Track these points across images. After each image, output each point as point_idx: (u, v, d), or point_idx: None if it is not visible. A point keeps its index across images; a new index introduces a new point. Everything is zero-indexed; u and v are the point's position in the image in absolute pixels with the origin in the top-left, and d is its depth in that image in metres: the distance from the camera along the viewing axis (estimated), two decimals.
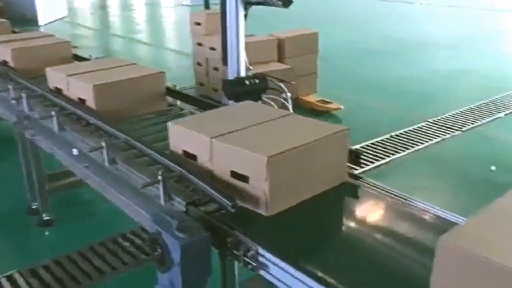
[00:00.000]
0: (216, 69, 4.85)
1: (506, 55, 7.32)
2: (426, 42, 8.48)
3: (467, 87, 5.86)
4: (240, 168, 1.87)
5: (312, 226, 1.79)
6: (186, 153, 2.07)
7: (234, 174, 1.89)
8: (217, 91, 4.76)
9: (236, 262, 1.70)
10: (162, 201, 1.87)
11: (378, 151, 4.04)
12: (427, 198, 2.75)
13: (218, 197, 1.75)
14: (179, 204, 1.85)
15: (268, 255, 1.59)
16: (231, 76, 2.66)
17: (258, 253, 1.61)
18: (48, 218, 3.13)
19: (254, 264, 1.60)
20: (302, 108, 4.74)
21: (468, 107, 5.00)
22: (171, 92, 2.90)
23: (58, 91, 2.77)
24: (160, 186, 1.85)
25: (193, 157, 2.03)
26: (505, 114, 4.84)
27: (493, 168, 3.72)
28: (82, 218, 3.21)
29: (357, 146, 4.07)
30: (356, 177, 2.08)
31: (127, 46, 8.99)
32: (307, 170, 1.92)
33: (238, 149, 1.87)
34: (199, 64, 5.16)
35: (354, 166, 2.11)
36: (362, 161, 3.74)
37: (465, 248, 1.22)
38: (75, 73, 2.75)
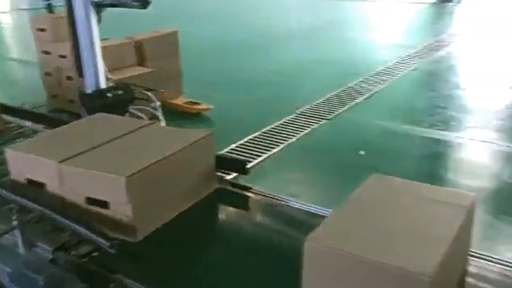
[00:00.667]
0: (69, 78, 4.39)
1: (357, 43, 7.78)
2: (285, 33, 8.71)
3: (326, 75, 6.10)
4: (96, 193, 1.65)
5: (191, 246, 1.63)
6: (31, 181, 1.77)
7: (91, 201, 1.66)
8: (74, 102, 4.32)
9: None
10: (21, 250, 1.55)
11: (253, 149, 3.98)
12: (302, 192, 2.74)
13: (91, 237, 1.49)
14: (44, 250, 1.55)
15: None
16: (89, 89, 2.37)
17: None
18: None
19: None
20: (171, 112, 4.50)
21: (330, 95, 5.18)
22: (10, 110, 2.49)
23: None
24: (17, 234, 1.54)
25: (41, 186, 1.74)
26: (364, 99, 5.10)
27: (362, 152, 3.86)
28: None
29: (233, 146, 3.98)
30: (228, 182, 1.97)
31: None
32: (173, 183, 1.76)
33: (91, 172, 1.64)
34: (48, 74, 4.65)
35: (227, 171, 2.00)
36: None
37: (329, 247, 1.25)
38: None
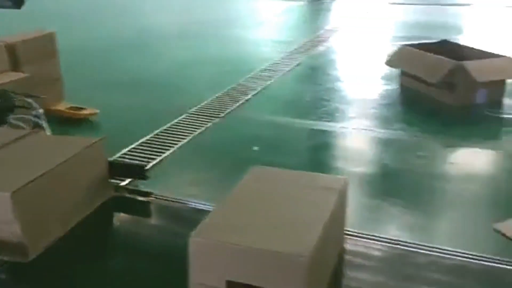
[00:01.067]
0: None
1: (242, 40, 7.91)
2: (164, 32, 8.57)
3: (215, 74, 6.12)
4: None
5: (88, 259, 1.55)
6: None
7: None
8: None
9: None
10: None
11: (146, 152, 3.87)
12: (201, 192, 2.74)
13: None
14: None
15: None
16: None
17: None
18: None
19: None
20: (53, 120, 4.21)
21: (220, 93, 5.21)
22: None
23: None
24: None
25: None
26: (253, 95, 5.20)
27: (256, 148, 3.94)
28: None
29: (124, 150, 3.84)
30: (124, 189, 1.90)
31: None
32: (64, 195, 1.67)
33: None
34: None
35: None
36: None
37: (213, 239, 1.33)
38: None
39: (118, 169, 1.90)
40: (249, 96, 5.16)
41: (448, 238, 2.68)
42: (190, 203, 1.89)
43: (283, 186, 1.68)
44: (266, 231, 1.41)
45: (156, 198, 1.87)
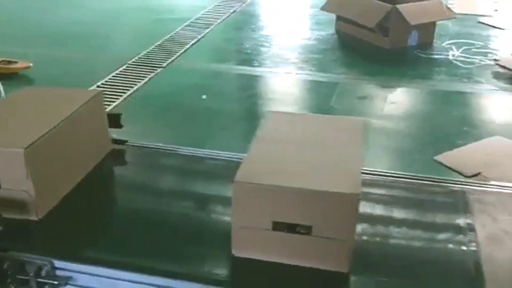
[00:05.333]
0: None
1: None
2: None
3: (148, 23, 5.93)
4: None
5: (95, 210, 1.55)
6: None
7: None
8: None
9: None
10: None
11: None
12: (159, 138, 2.73)
13: None
14: None
15: (69, 265, 1.30)
16: None
17: (54, 267, 1.30)
18: None
19: (55, 282, 1.29)
20: None
21: (158, 43, 5.09)
22: None
23: None
24: None
25: None
26: (192, 44, 5.13)
27: (204, 96, 3.95)
28: None
29: None
30: (119, 141, 1.88)
31: None
32: (71, 151, 1.62)
33: None
34: None
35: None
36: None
37: (258, 182, 1.34)
38: None
39: None
40: (189, 46, 5.08)
41: (389, 167, 2.86)
42: (180, 150, 1.89)
43: (306, 128, 1.67)
44: (307, 172, 1.42)
45: (135, 146, 1.86)
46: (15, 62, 4.27)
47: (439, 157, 3.03)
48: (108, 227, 1.49)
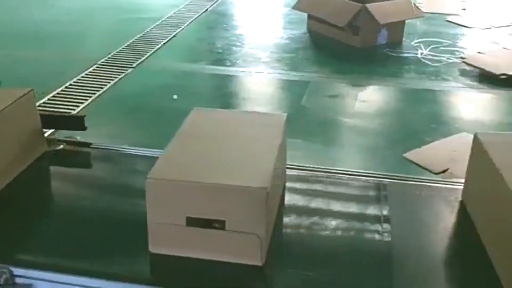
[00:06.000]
0: None
1: None
2: None
3: (118, 22, 5.87)
4: None
5: (22, 219, 1.52)
6: None
7: None
8: None
9: None
10: None
11: (59, 106, 3.69)
12: (129, 140, 2.71)
13: None
14: None
15: (29, 272, 1.27)
16: None
17: (13, 275, 1.28)
18: None
19: None
20: None
21: (128, 43, 5.03)
22: None
23: None
24: None
25: None
26: (163, 44, 5.09)
27: (175, 96, 3.92)
28: None
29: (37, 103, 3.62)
30: (83, 144, 1.85)
31: None
32: None
33: None
34: None
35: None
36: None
37: (169, 179, 1.38)
38: None
39: (54, 121, 1.82)
40: (160, 45, 5.04)
41: (360, 166, 2.90)
42: (130, 150, 1.87)
43: (227, 125, 1.73)
44: (221, 168, 1.45)
45: (96, 147, 1.83)
46: None
47: (408, 154, 3.08)
48: (35, 232, 1.45)
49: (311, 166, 2.00)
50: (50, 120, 1.82)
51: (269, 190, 1.36)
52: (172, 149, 1.58)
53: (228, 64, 4.62)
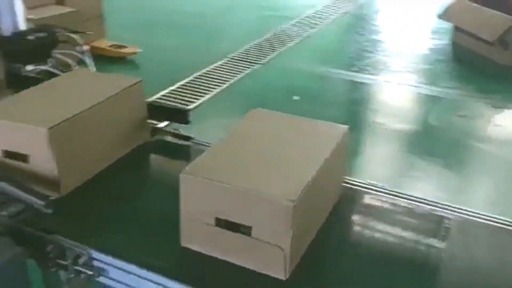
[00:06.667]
0: None
1: None
2: None
3: (255, 19, 5.98)
4: (15, 146, 1.52)
5: (122, 200, 1.56)
6: None
7: (9, 154, 1.54)
8: None
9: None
10: None
11: (184, 95, 3.86)
12: None
13: (23, 196, 1.37)
14: None
15: (106, 258, 1.31)
16: (7, 31, 2.12)
17: (91, 258, 1.32)
18: None
19: (90, 272, 1.31)
20: (94, 56, 4.22)
21: (260, 39, 5.10)
22: None
23: None
24: None
25: None
26: (295, 43, 5.07)
27: (296, 97, 3.87)
28: None
29: (163, 92, 3.83)
30: (184, 137, 1.88)
31: None
32: (100, 135, 1.66)
33: (9, 123, 1.51)
34: None
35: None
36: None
37: (202, 177, 1.35)
38: None
39: (160, 111, 1.88)
40: (291, 44, 5.03)
41: (480, 203, 2.59)
42: None
43: (280, 129, 1.65)
44: (256, 173, 1.40)
45: (195, 143, 1.85)
46: (124, 47, 4.51)
47: None
48: (132, 215, 1.48)
49: (373, 184, 1.81)
50: (156, 110, 1.88)
51: (297, 203, 1.27)
52: (216, 147, 1.57)
53: (356, 69, 4.45)
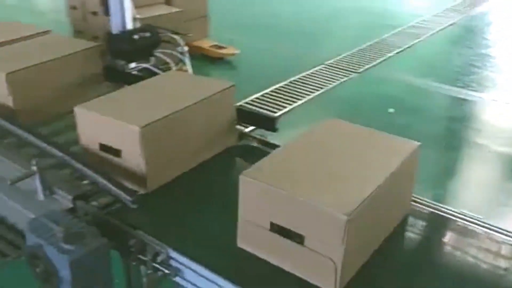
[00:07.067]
0: (94, 13, 4.25)
1: None
2: None
3: (357, 25, 5.86)
4: (110, 141, 1.60)
5: (204, 202, 1.57)
6: None
7: (104, 147, 1.62)
8: (98, 39, 4.21)
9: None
10: (41, 197, 1.51)
11: (279, 98, 3.87)
12: None
13: (112, 190, 1.44)
14: (63, 198, 1.51)
15: (183, 259, 1.33)
16: (115, 29, 2.25)
17: (169, 257, 1.35)
18: None
19: (167, 271, 1.34)
20: (194, 55, 4.37)
21: (361, 47, 4.98)
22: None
23: None
24: (37, 180, 1.49)
25: None
26: (396, 53, 4.89)
27: (391, 110, 3.73)
28: None
29: (257, 95, 3.87)
30: (251, 137, 1.87)
31: None
32: (190, 136, 1.69)
33: (105, 118, 1.59)
34: (73, 7, 4.50)
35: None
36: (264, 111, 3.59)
37: (260, 182, 1.33)
38: None
39: (248, 116, 1.89)
40: (392, 54, 4.86)
41: None
42: None
43: (350, 141, 1.60)
44: (315, 182, 1.36)
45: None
46: (224, 48, 4.62)
47: None
48: (215, 218, 1.49)
49: (443, 205, 1.67)
50: (245, 115, 1.89)
51: (352, 217, 1.23)
52: (281, 151, 1.56)
53: (460, 85, 4.19)
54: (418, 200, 1.69)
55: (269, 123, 1.85)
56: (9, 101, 1.91)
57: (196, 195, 1.62)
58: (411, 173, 1.60)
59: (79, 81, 2.09)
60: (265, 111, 3.24)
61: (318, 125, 1.68)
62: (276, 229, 1.34)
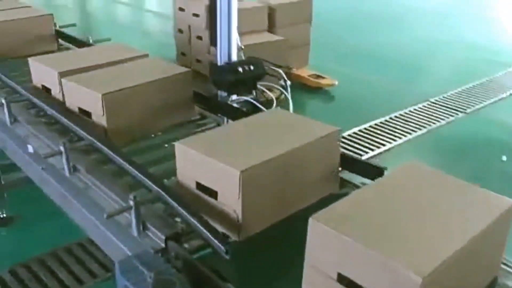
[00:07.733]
0: (199, 38, 4.36)
1: (501, 24, 6.93)
2: (418, 7, 8.03)
3: (465, 61, 5.50)
4: (208, 181, 1.53)
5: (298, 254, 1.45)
6: None
7: (200, 187, 1.56)
8: (201, 63, 4.30)
9: None
10: (134, 232, 1.48)
11: (378, 135, 3.68)
12: None
13: (206, 235, 1.37)
14: (155, 236, 1.47)
15: None
16: (220, 60, 2.23)
17: None
18: (4, 216, 2.72)
19: None
20: (293, 83, 4.31)
21: (470, 85, 4.65)
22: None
23: None
24: (133, 215, 1.46)
25: None
26: (510, 94, 4.50)
27: (504, 158, 3.40)
28: (46, 216, 2.79)
29: (355, 130, 3.72)
30: (351, 184, 1.73)
31: (105, 6, 8.33)
32: (290, 182, 1.59)
33: (205, 158, 1.52)
34: (180, 31, 4.65)
35: None
36: (359, 148, 3.43)
37: (330, 228, 1.24)
38: None
39: (352, 164, 1.77)
40: (506, 95, 4.48)
41: None
42: None
43: (433, 190, 1.42)
44: (389, 234, 1.23)
45: None
46: (323, 78, 4.52)
47: None
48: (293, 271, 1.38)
49: None
50: (349, 161, 1.76)
51: (428, 280, 1.09)
52: (356, 196, 1.44)
53: None
54: (510, 264, 1.50)
55: (377, 173, 1.70)
56: (103, 120, 1.96)
57: (288, 247, 1.51)
58: (503, 234, 1.39)
59: (169, 104, 2.11)
60: (373, 160, 3.08)
61: (401, 168, 1.53)
62: (345, 281, 1.23)
